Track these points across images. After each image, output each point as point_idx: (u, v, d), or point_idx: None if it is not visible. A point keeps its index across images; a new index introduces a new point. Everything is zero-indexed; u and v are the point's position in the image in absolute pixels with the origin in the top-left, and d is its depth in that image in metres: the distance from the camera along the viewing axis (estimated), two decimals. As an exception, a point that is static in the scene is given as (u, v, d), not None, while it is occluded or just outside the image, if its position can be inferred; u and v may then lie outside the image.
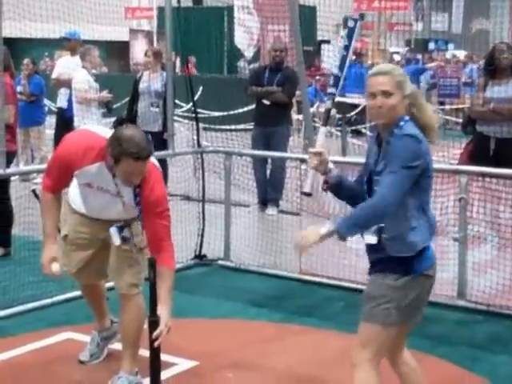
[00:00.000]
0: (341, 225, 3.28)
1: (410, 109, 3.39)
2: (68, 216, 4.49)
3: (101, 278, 4.61)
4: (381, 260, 3.39)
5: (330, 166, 3.51)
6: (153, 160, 4.05)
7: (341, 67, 3.61)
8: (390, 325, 3.37)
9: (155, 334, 3.77)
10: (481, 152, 6.86)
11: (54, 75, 10.21)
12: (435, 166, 6.58)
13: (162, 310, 3.84)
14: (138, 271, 4.22)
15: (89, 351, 4.72)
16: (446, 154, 10.03)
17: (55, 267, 4.15)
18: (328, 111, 3.74)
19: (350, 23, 3.61)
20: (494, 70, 6.93)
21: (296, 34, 6.03)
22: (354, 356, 3.43)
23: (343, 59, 3.60)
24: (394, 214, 3.29)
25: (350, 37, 3.62)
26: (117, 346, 4.73)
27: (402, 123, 3.34)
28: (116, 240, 4.16)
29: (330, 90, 3.68)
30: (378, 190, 3.30)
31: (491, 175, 5.69)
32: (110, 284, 4.76)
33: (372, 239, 3.38)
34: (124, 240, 4.17)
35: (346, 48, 3.60)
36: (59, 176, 4.12)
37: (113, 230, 4.16)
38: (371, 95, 3.37)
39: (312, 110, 12.68)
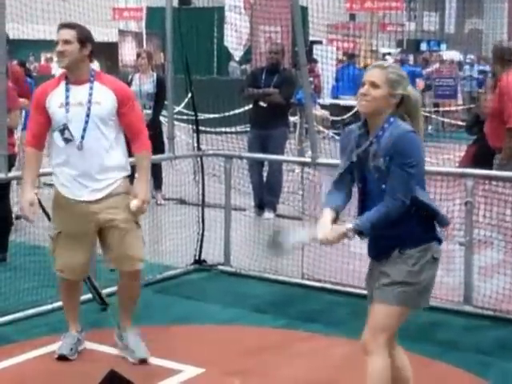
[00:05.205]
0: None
1: (399, 111, 3.42)
2: (56, 209, 4.69)
3: (87, 272, 4.93)
4: None
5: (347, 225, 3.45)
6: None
7: None
8: (407, 307, 3.43)
9: (133, 205, 4.52)
10: (486, 154, 6.76)
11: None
12: (441, 169, 6.60)
13: (141, 188, 4.61)
14: (142, 246, 4.73)
15: (69, 345, 4.74)
16: (452, 157, 9.92)
17: (33, 210, 4.59)
18: None
19: None
20: None
21: (299, 37, 5.92)
22: (370, 343, 3.42)
23: None
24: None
25: None
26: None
27: (391, 119, 3.39)
28: (60, 143, 4.51)
29: None
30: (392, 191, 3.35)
31: (498, 178, 5.63)
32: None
33: None
34: (66, 141, 4.50)
35: None
36: (36, 119, 4.57)
37: (55, 135, 4.52)
38: (362, 84, 3.44)
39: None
